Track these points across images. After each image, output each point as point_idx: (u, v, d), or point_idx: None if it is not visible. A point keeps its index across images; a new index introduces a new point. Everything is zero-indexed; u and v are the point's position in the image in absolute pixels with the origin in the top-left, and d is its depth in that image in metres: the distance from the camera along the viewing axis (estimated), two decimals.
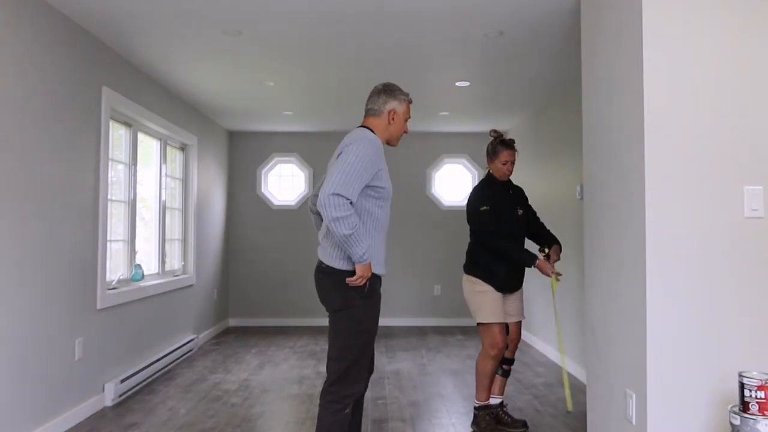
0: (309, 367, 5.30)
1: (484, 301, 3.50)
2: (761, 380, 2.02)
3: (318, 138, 7.69)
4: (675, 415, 2.43)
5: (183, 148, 6.11)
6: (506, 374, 3.71)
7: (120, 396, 4.25)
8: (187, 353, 5.71)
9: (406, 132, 2.77)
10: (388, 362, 5.52)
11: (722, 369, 2.43)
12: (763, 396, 2.01)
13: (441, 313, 7.69)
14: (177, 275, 5.83)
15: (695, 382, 2.44)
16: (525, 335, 6.44)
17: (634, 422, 2.55)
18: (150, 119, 4.96)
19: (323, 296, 2.62)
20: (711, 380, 2.44)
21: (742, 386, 2.06)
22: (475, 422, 3.60)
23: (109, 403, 4.15)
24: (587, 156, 3.13)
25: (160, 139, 5.47)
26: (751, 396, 2.03)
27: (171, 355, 5.23)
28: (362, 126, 2.69)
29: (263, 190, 7.75)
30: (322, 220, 2.71)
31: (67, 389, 3.70)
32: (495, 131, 3.64)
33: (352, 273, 2.50)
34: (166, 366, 5.14)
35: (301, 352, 6.00)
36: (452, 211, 7.73)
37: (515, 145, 3.62)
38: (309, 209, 2.84)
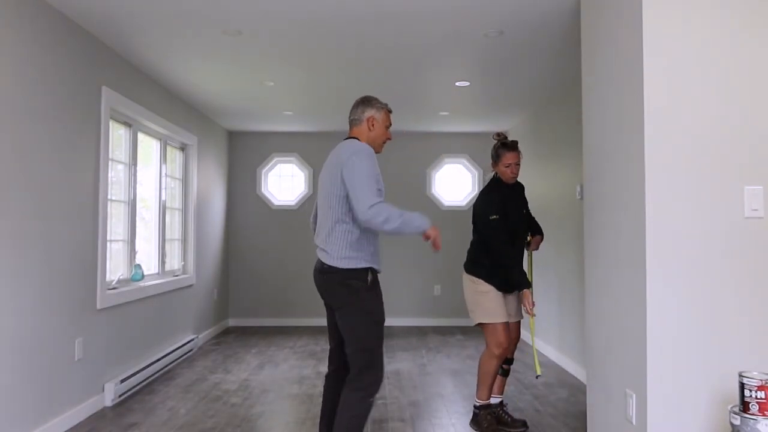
0: (309, 367, 5.30)
1: (487, 301, 3.49)
2: (761, 380, 2.02)
3: (318, 138, 7.69)
4: (675, 415, 2.43)
5: (183, 148, 6.11)
6: (506, 374, 3.71)
7: (120, 396, 4.25)
8: (187, 353, 5.71)
9: (389, 139, 2.97)
10: (388, 362, 5.52)
11: (722, 369, 2.43)
12: (763, 396, 2.01)
13: (441, 313, 7.69)
14: (177, 275, 5.83)
15: (695, 382, 2.44)
16: (524, 335, 6.44)
17: (634, 422, 2.55)
18: (150, 119, 4.96)
19: (329, 294, 2.75)
20: (711, 380, 2.44)
21: (742, 386, 2.06)
22: (476, 421, 3.60)
23: (109, 403, 4.15)
24: (587, 156, 3.13)
25: (160, 139, 5.47)
26: (751, 396, 2.03)
27: (171, 355, 5.23)
28: (349, 138, 2.87)
29: (263, 190, 7.75)
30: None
31: (67, 389, 3.71)
32: (498, 134, 3.62)
33: (354, 271, 2.66)
34: (166, 366, 5.14)
35: (301, 352, 6.00)
36: (452, 211, 7.73)
37: (519, 146, 3.61)
38: (311, 227, 3.09)
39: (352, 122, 2.89)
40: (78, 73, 3.82)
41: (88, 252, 3.94)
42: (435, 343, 6.49)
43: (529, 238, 3.74)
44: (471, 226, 3.78)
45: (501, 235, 3.44)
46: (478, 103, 5.93)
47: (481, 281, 3.53)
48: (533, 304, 3.45)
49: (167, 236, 5.66)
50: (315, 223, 2.99)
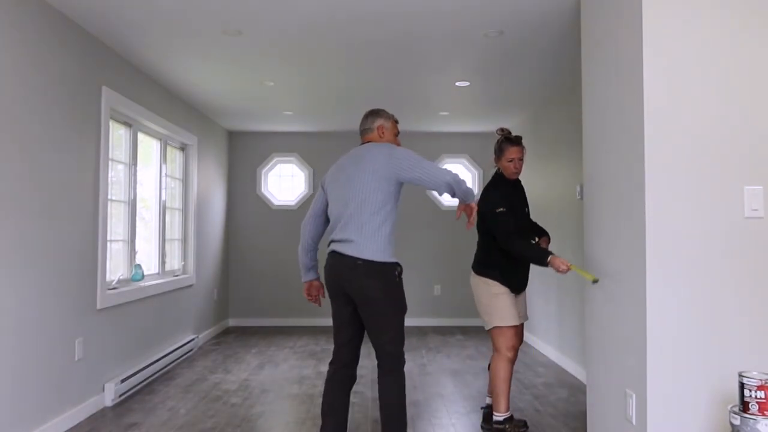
0: (309, 367, 5.30)
1: (501, 304, 3.39)
2: (761, 380, 2.02)
3: (318, 138, 7.69)
4: (675, 415, 2.43)
5: (183, 148, 6.11)
6: None
7: (120, 396, 4.25)
8: (187, 353, 5.71)
9: (398, 146, 3.08)
10: None
11: (722, 369, 2.43)
12: (763, 396, 2.01)
13: (441, 313, 7.69)
14: (177, 275, 5.83)
15: (695, 382, 2.44)
16: (525, 335, 6.44)
17: (634, 422, 2.55)
18: (150, 119, 4.96)
19: (360, 288, 2.82)
20: (711, 380, 2.44)
21: (742, 386, 2.06)
22: None
23: (109, 403, 4.15)
24: (587, 156, 3.13)
25: (160, 139, 5.47)
26: (751, 396, 2.03)
27: (171, 355, 5.23)
28: (365, 143, 3.05)
29: (263, 190, 7.75)
30: (315, 241, 3.12)
31: (67, 389, 3.71)
32: (501, 129, 3.56)
33: (390, 264, 2.86)
34: (166, 366, 5.14)
35: (301, 352, 6.00)
36: (453, 211, 7.73)
37: (522, 141, 3.53)
38: (306, 246, 3.16)
39: (364, 132, 3.08)
40: (78, 73, 3.82)
41: (88, 252, 3.94)
42: (435, 343, 6.49)
43: (537, 239, 3.61)
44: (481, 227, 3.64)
45: (510, 227, 3.32)
46: (478, 103, 5.93)
47: (495, 283, 3.42)
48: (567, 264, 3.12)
49: (167, 236, 5.66)
50: (313, 223, 3.10)
